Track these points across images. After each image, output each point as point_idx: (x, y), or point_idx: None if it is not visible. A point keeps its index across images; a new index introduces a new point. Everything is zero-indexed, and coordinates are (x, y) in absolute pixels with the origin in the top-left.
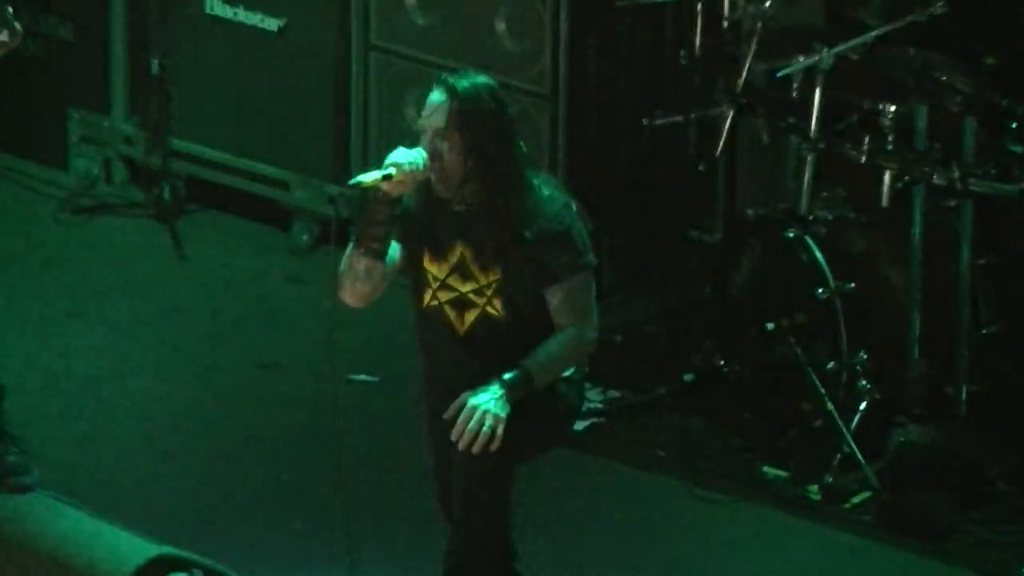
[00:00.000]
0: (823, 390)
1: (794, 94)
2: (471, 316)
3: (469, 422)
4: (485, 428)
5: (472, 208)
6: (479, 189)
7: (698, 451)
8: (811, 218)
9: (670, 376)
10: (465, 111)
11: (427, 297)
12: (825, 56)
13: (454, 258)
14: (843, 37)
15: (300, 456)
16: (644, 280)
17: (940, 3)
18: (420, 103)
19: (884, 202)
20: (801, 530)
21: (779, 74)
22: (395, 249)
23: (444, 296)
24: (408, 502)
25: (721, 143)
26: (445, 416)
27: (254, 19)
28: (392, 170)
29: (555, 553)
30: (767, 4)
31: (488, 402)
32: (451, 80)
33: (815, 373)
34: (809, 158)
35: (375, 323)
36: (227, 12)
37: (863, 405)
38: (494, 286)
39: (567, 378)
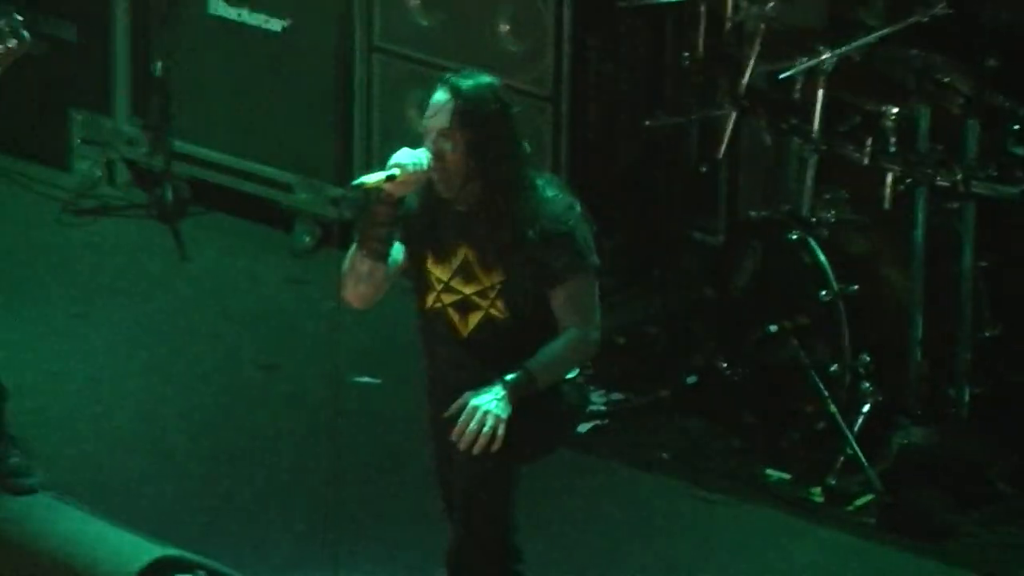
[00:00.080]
0: (826, 392)
1: (796, 96)
2: (475, 318)
3: (470, 423)
4: (486, 429)
5: (475, 208)
6: (482, 189)
7: (700, 452)
8: (814, 220)
9: (672, 377)
10: (469, 111)
11: (430, 299)
12: (827, 58)
13: (457, 260)
14: (845, 38)
15: (301, 457)
16: (644, 281)
17: (942, 4)
18: (423, 104)
19: (886, 204)
20: (802, 531)
21: (781, 76)
22: (398, 250)
23: (448, 298)
24: (409, 503)
25: (724, 145)
26: (446, 415)
27: (257, 20)
28: (396, 171)
29: (556, 553)
30: (769, 6)
31: (490, 403)
32: (455, 80)
33: (817, 375)
34: (811, 160)
35: (377, 325)
36: (230, 13)
37: (866, 407)
38: (497, 288)
39: (570, 380)
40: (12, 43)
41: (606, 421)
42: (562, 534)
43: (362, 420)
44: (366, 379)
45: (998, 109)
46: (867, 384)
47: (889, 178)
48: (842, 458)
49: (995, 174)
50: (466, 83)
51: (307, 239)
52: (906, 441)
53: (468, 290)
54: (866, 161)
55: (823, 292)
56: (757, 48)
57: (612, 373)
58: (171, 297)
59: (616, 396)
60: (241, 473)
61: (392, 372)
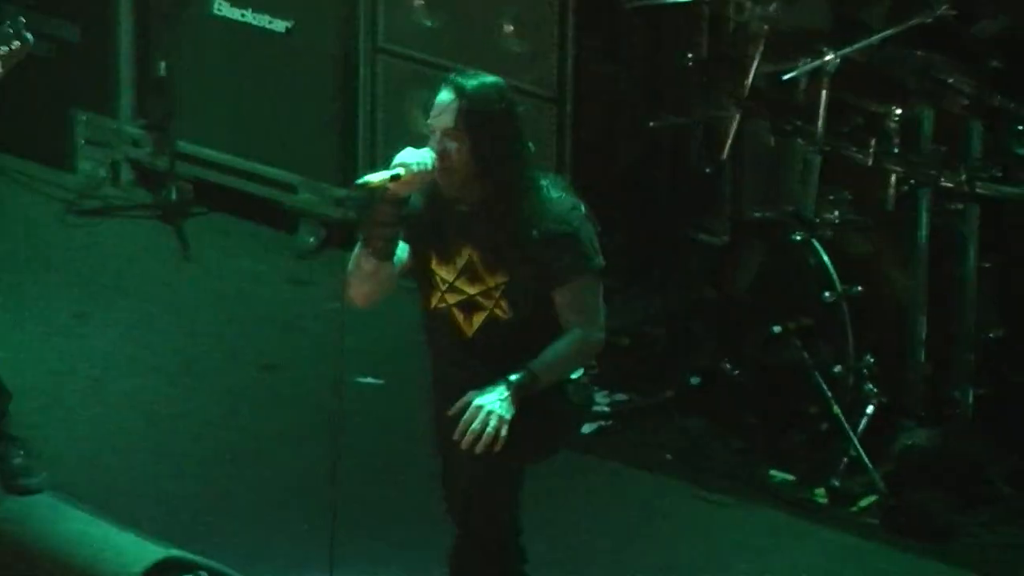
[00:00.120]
0: (829, 393)
1: (800, 97)
2: (479, 318)
3: (473, 422)
4: (489, 429)
5: (479, 209)
6: (487, 189)
7: (703, 453)
8: (817, 221)
9: (675, 378)
10: (474, 111)
11: (435, 299)
12: (831, 59)
13: (462, 260)
14: (849, 40)
15: (303, 457)
16: (645, 281)
17: (945, 5)
18: (427, 105)
19: (889, 205)
20: (804, 532)
21: (785, 77)
22: (403, 250)
23: (452, 298)
24: (410, 503)
25: (727, 145)
26: (449, 414)
27: (261, 20)
28: (400, 170)
29: (559, 554)
30: (773, 7)
31: (493, 403)
32: (460, 80)
33: (821, 376)
34: (814, 161)
35: (381, 325)
36: (234, 13)
37: (869, 408)
38: (502, 288)
39: (574, 380)
40: (15, 45)
41: (609, 422)
42: (565, 534)
43: (364, 420)
44: (369, 379)
45: (1001, 110)
46: (870, 385)
47: (892, 179)
48: (845, 459)
49: (999, 175)
50: (471, 83)
51: (311, 240)
52: (910, 442)
53: (472, 290)
54: (870, 162)
55: (826, 293)
56: (761, 49)
57: (615, 374)
58: (174, 297)
59: (620, 397)
60: (243, 473)
61: (394, 372)
